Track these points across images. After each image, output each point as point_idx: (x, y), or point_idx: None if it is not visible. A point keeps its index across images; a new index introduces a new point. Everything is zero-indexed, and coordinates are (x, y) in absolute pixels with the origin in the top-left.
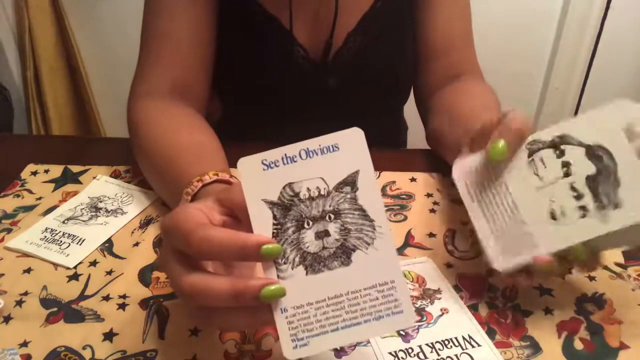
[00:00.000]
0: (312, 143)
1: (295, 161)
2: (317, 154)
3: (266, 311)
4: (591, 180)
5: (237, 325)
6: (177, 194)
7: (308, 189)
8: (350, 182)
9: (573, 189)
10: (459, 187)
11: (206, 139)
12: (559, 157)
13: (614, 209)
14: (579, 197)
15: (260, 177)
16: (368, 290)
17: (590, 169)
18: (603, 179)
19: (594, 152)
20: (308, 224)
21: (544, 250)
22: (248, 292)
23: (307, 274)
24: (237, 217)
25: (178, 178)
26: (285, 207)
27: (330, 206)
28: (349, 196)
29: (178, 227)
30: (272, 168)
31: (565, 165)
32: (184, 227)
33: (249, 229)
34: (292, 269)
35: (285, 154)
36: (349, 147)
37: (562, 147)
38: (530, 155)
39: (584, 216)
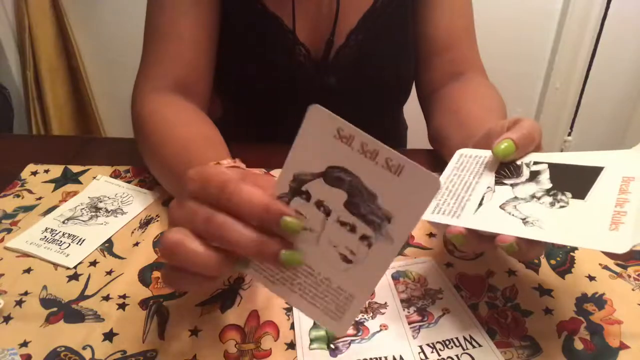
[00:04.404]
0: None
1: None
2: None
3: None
4: (350, 206)
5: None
6: None
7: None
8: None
9: (342, 223)
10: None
11: (212, 132)
12: (308, 200)
13: (389, 223)
14: (352, 229)
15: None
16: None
17: (341, 195)
18: (359, 199)
19: (331, 176)
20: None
21: (362, 299)
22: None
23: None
24: None
25: (189, 165)
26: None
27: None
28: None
29: (217, 174)
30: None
31: (319, 204)
32: (223, 176)
33: None
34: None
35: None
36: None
37: (303, 189)
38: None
39: (370, 245)
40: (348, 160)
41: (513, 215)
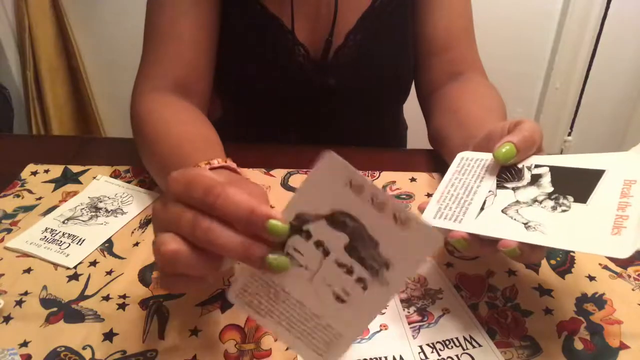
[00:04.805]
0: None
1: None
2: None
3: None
4: (350, 249)
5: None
6: None
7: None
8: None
9: (340, 264)
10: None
11: (209, 132)
12: (308, 239)
13: (387, 270)
14: (349, 271)
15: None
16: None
17: (342, 238)
18: (360, 244)
19: (335, 220)
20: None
21: (350, 338)
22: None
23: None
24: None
25: (183, 164)
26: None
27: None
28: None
29: (201, 177)
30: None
31: (319, 244)
32: (207, 180)
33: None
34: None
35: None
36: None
37: (305, 228)
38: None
39: (365, 288)
40: (355, 208)
41: (515, 219)
